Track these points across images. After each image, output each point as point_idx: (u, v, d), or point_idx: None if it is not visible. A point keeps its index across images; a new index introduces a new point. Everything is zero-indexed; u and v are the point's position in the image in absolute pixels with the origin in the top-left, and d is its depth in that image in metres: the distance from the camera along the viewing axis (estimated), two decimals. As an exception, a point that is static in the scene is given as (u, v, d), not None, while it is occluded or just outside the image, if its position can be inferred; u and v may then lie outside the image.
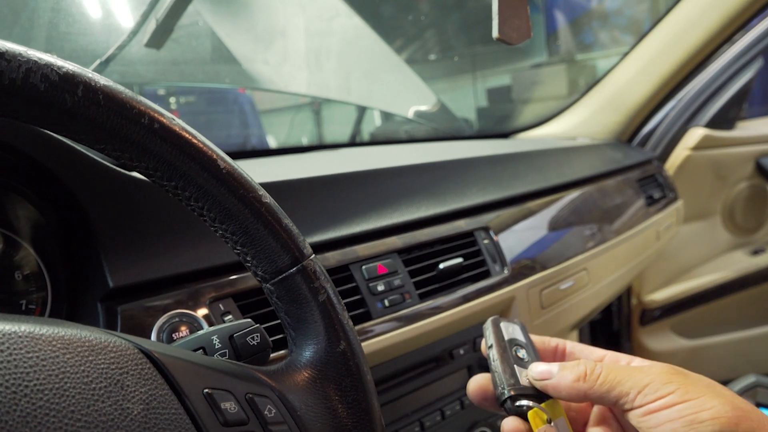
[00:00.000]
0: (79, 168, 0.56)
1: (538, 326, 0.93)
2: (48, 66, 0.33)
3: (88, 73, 0.35)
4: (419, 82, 2.04)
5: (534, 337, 0.53)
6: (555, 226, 1.03)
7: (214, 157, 0.38)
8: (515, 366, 0.47)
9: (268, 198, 0.40)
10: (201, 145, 0.38)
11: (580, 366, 0.43)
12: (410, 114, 1.84)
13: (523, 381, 0.46)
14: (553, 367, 0.45)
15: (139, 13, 0.92)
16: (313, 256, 0.41)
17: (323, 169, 0.84)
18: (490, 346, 0.48)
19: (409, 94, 1.91)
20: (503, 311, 0.88)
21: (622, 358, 0.48)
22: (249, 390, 0.36)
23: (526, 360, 0.48)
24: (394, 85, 1.89)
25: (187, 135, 0.37)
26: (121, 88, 0.36)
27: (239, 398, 0.35)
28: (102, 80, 0.35)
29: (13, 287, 0.58)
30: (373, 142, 1.79)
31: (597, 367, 0.43)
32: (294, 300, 0.40)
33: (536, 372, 0.45)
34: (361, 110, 1.79)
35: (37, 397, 0.27)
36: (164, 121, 0.37)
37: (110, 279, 0.56)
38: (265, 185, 0.73)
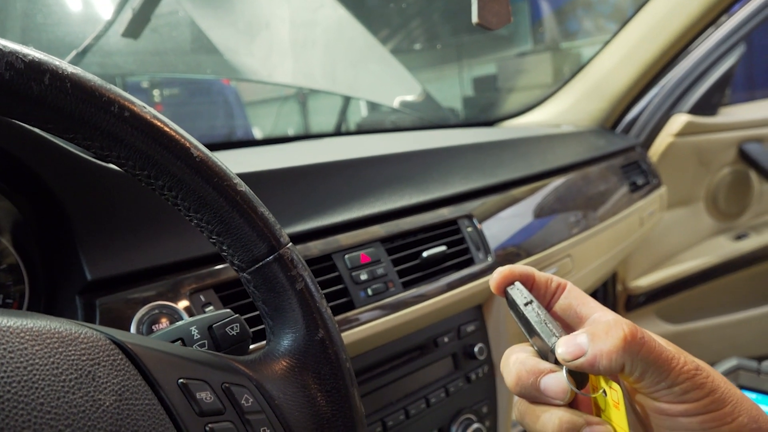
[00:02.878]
0: (53, 160, 0.56)
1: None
2: (13, 54, 0.33)
3: (55, 60, 0.34)
4: (404, 72, 2.03)
5: (538, 276, 0.44)
6: (539, 213, 1.03)
7: (187, 145, 0.38)
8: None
9: (243, 186, 0.40)
10: (173, 134, 0.37)
11: (617, 330, 0.34)
12: (395, 104, 1.83)
13: None
14: (581, 340, 0.35)
15: (116, 3, 0.91)
16: (290, 244, 0.41)
17: (306, 159, 0.83)
18: (529, 303, 0.41)
19: (394, 84, 1.90)
20: (487, 299, 0.88)
21: (612, 318, 0.41)
22: (225, 379, 0.35)
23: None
24: (379, 75, 1.88)
25: (158, 123, 0.37)
26: (89, 75, 0.35)
27: (215, 388, 0.34)
28: (69, 68, 0.35)
29: (-12, 281, 0.57)
30: (358, 131, 1.78)
31: (637, 330, 0.35)
32: (271, 289, 0.40)
33: (565, 352, 0.36)
34: (346, 100, 1.78)
35: (5, 389, 0.26)
36: (135, 108, 0.36)
37: (88, 272, 0.56)
38: (247, 175, 0.73)
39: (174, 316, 0.59)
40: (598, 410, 0.38)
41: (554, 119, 1.60)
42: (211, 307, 0.61)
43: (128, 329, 0.56)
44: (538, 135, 1.27)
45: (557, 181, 1.12)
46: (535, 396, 0.38)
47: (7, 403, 0.26)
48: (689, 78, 1.73)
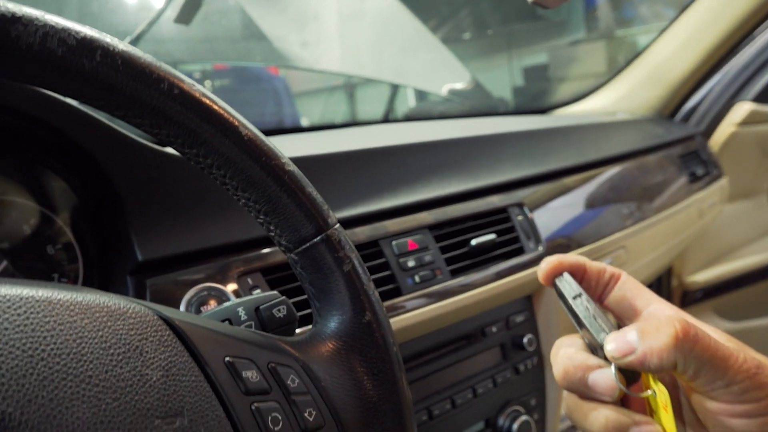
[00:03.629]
0: (106, 141, 0.56)
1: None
2: (65, 30, 0.33)
3: (107, 37, 0.34)
4: (453, 60, 2.01)
5: (590, 266, 0.42)
6: (592, 202, 1.00)
7: (236, 123, 0.37)
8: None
9: (291, 166, 0.39)
10: (222, 112, 0.37)
11: (668, 327, 0.33)
12: (444, 92, 1.81)
13: None
14: (631, 337, 0.34)
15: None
16: (338, 225, 0.40)
17: (354, 144, 0.82)
18: (578, 296, 0.39)
19: (442, 72, 1.88)
20: (537, 289, 0.86)
21: (669, 311, 0.39)
22: (272, 359, 0.35)
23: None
24: (427, 63, 1.86)
25: (207, 101, 0.36)
26: (140, 53, 0.35)
27: (261, 367, 0.34)
28: (120, 45, 0.35)
29: (45, 260, 0.59)
30: (406, 119, 1.77)
31: (690, 326, 0.33)
32: (318, 270, 0.39)
33: (615, 349, 0.34)
34: (394, 88, 1.77)
35: (54, 361, 0.27)
36: (184, 86, 0.36)
37: (139, 252, 0.56)
38: (295, 159, 0.72)
39: (222, 298, 0.59)
40: (651, 410, 0.36)
41: (610, 107, 1.55)
42: (258, 290, 0.62)
43: (178, 310, 0.57)
44: (592, 123, 1.23)
45: (612, 170, 1.09)
46: (583, 392, 0.36)
47: (56, 375, 0.26)
48: (753, 65, 1.64)
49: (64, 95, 0.35)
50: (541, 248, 0.86)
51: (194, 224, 0.60)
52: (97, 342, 0.28)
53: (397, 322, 0.68)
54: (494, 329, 0.81)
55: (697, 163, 1.38)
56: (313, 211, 0.39)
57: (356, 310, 0.39)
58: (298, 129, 1.45)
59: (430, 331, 0.74)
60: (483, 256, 0.80)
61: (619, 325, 0.42)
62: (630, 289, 0.41)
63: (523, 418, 0.82)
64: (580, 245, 0.93)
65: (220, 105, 0.37)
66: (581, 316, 0.37)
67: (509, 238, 0.84)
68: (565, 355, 0.37)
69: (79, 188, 0.60)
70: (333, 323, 0.39)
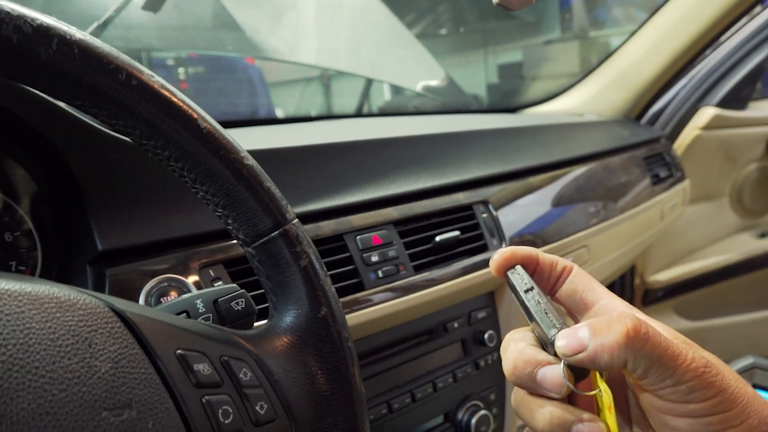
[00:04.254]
0: (68, 129, 0.56)
1: (535, 302, 0.92)
2: (21, 18, 0.32)
3: (64, 26, 0.34)
4: (428, 57, 2.01)
5: (542, 258, 0.42)
6: (557, 202, 1.01)
7: (195, 116, 0.37)
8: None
9: (250, 160, 0.39)
10: (181, 104, 0.37)
11: (619, 324, 0.32)
12: (418, 88, 1.82)
13: None
14: (582, 334, 0.33)
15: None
16: (296, 220, 0.41)
17: (323, 138, 0.82)
18: (529, 289, 0.39)
19: (417, 68, 1.89)
20: (499, 286, 0.88)
21: (619, 306, 0.39)
22: (224, 353, 0.35)
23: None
24: (402, 59, 1.87)
25: (166, 93, 0.36)
26: (98, 42, 0.35)
27: (214, 360, 0.34)
28: (78, 34, 0.34)
29: (3, 247, 0.58)
30: (379, 113, 1.77)
31: (641, 324, 0.33)
32: (275, 264, 0.40)
33: (565, 346, 0.34)
34: (368, 82, 1.77)
35: (0, 351, 0.26)
36: (142, 77, 0.36)
37: (99, 242, 0.56)
38: (263, 151, 0.73)
39: (183, 289, 0.59)
40: (598, 409, 0.36)
41: (578, 108, 1.57)
42: (220, 282, 0.61)
43: (137, 300, 0.56)
44: (560, 123, 1.25)
45: (577, 171, 1.11)
46: (531, 387, 0.36)
47: (1, 366, 0.26)
48: (719, 70, 1.69)
49: (21, 83, 0.34)
50: (504, 246, 0.87)
51: (156, 215, 0.60)
52: (45, 333, 0.28)
53: (359, 316, 0.69)
54: (456, 325, 0.82)
55: (661, 166, 1.41)
56: (271, 206, 0.39)
57: (312, 305, 0.40)
58: (271, 120, 1.44)
59: (393, 326, 0.75)
60: (447, 253, 0.81)
61: (571, 318, 0.42)
62: (581, 282, 0.41)
63: (482, 412, 0.83)
64: (544, 243, 0.94)
65: (179, 97, 0.37)
66: (532, 310, 0.37)
67: (473, 235, 0.85)
68: (515, 349, 0.37)
69: (39, 176, 0.59)
70: (288, 317, 0.40)
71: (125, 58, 0.36)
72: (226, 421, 0.33)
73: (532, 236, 0.93)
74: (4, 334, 0.27)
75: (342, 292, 0.69)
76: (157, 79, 0.37)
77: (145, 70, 0.36)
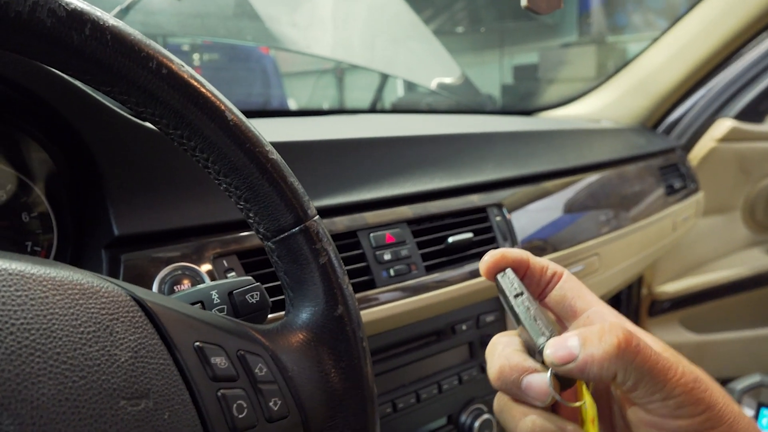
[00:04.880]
0: (90, 114, 0.56)
1: (544, 308, 0.92)
2: (56, 1, 0.32)
3: (97, 11, 0.34)
4: (445, 54, 2.00)
5: (533, 262, 0.41)
6: (570, 208, 1.01)
7: (222, 108, 0.37)
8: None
9: (275, 154, 0.39)
10: (209, 95, 0.37)
11: (610, 336, 0.32)
12: (433, 85, 1.81)
13: None
14: (572, 343, 0.33)
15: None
16: (317, 217, 0.41)
17: (339, 133, 0.82)
18: (519, 294, 0.38)
19: (433, 66, 1.88)
20: (510, 290, 0.87)
21: (609, 315, 0.39)
22: (241, 347, 0.35)
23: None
24: (419, 55, 1.86)
25: (195, 83, 0.36)
26: (130, 29, 0.35)
27: (230, 354, 0.34)
28: (111, 20, 0.34)
29: (20, 228, 0.58)
30: (393, 110, 1.77)
31: (632, 336, 0.32)
32: (294, 260, 0.40)
33: (555, 356, 0.33)
34: (384, 78, 1.76)
35: (23, 336, 0.26)
36: (173, 66, 0.36)
37: (115, 227, 0.56)
38: (279, 144, 0.72)
39: (196, 278, 0.59)
40: (582, 420, 0.36)
41: (595, 113, 1.56)
42: (233, 273, 0.62)
43: (150, 287, 0.56)
44: (576, 128, 1.24)
45: (591, 177, 1.10)
46: (515, 394, 0.36)
47: (24, 350, 0.26)
48: (739, 82, 1.67)
49: (51, 66, 0.34)
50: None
51: (173, 202, 0.60)
52: (68, 319, 0.28)
53: (368, 314, 0.69)
54: (464, 327, 0.82)
55: (676, 176, 1.40)
56: (293, 201, 0.39)
57: (329, 303, 0.39)
58: (284, 112, 1.44)
59: (401, 325, 0.75)
60: (459, 254, 0.80)
61: (560, 324, 0.42)
62: (571, 289, 0.40)
63: (485, 416, 0.83)
64: (554, 249, 0.94)
65: (208, 88, 0.37)
66: (521, 316, 0.37)
67: (486, 238, 0.85)
68: (502, 354, 0.36)
69: (58, 158, 0.59)
70: (305, 314, 0.39)
71: (156, 46, 0.36)
72: (240, 416, 0.33)
73: (544, 241, 0.93)
74: (28, 318, 0.27)
75: (353, 289, 0.68)
76: (186, 69, 0.36)
77: (176, 60, 0.36)
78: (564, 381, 0.35)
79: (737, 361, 1.76)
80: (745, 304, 1.78)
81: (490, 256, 0.40)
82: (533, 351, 0.36)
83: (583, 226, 1.01)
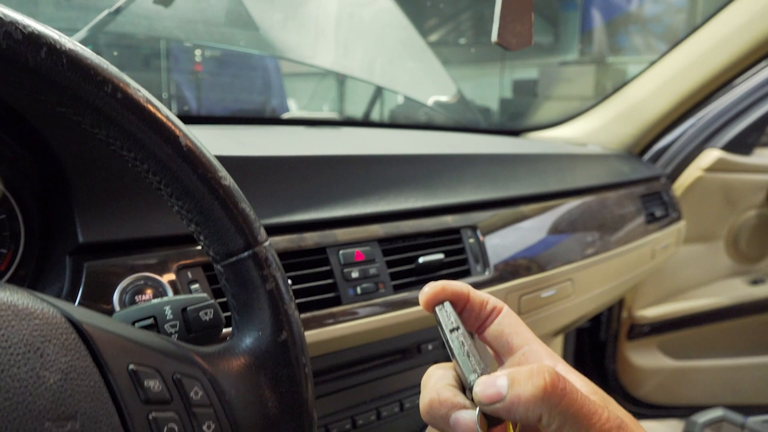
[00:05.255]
0: (59, 122, 0.56)
1: (513, 331, 0.92)
2: (13, 24, 0.33)
3: (55, 35, 0.35)
4: (441, 71, 2.02)
5: (473, 295, 0.42)
6: (546, 233, 1.02)
7: (177, 133, 0.38)
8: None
9: (228, 180, 0.40)
10: (164, 119, 0.38)
11: (537, 378, 0.32)
12: (429, 102, 1.83)
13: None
14: (501, 383, 0.33)
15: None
16: (267, 243, 0.41)
17: (319, 148, 0.83)
18: (455, 329, 0.38)
19: (430, 82, 1.89)
20: (478, 312, 0.88)
21: (543, 354, 0.39)
22: (178, 369, 0.36)
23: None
24: (417, 73, 1.87)
25: (150, 108, 0.37)
26: (88, 53, 0.36)
27: (166, 377, 0.35)
28: (69, 44, 0.35)
29: (-14, 229, 0.59)
30: (384, 124, 1.78)
31: (559, 380, 0.33)
32: (242, 285, 0.40)
33: (483, 394, 0.33)
34: (378, 90, 1.78)
35: (-49, 356, 0.27)
36: (128, 90, 0.36)
37: (80, 234, 0.57)
38: (255, 159, 0.74)
39: (159, 289, 0.60)
40: None
41: (583, 137, 1.57)
42: (196, 285, 0.62)
43: (112, 296, 0.57)
44: (560, 153, 1.25)
45: (571, 203, 1.11)
46: (443, 428, 0.36)
47: (-50, 370, 0.27)
48: (728, 114, 1.69)
49: (7, 86, 0.35)
50: (487, 273, 0.88)
51: (139, 212, 0.61)
52: (0, 342, 0.29)
53: (332, 330, 0.69)
54: (430, 347, 0.82)
55: (658, 204, 1.41)
56: (243, 227, 0.40)
57: (274, 328, 0.40)
58: (277, 120, 1.45)
59: (366, 342, 0.75)
60: (429, 275, 0.81)
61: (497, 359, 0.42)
62: (509, 325, 0.41)
63: (448, 436, 0.84)
64: (527, 273, 0.95)
65: (163, 112, 0.38)
66: (455, 351, 0.37)
67: (458, 260, 0.85)
68: (434, 387, 0.36)
69: (29, 164, 0.60)
70: (249, 339, 0.40)
71: (114, 70, 0.37)
72: (171, 439, 0.34)
73: (516, 265, 0.93)
74: (-44, 340, 0.28)
75: (318, 306, 0.69)
76: (143, 93, 0.37)
77: (132, 84, 0.37)
78: (492, 419, 0.35)
79: (713, 389, 1.77)
80: (723, 333, 1.79)
81: (430, 288, 0.41)
82: (465, 387, 0.36)
83: (558, 252, 1.02)
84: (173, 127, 0.38)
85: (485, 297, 0.42)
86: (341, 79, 3.75)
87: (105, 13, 0.90)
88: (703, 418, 0.88)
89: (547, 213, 1.05)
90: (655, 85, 1.51)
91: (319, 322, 0.69)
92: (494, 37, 0.56)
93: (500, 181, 1.01)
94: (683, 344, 1.79)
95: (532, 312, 0.96)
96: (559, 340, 1.56)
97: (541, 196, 1.06)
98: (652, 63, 1.53)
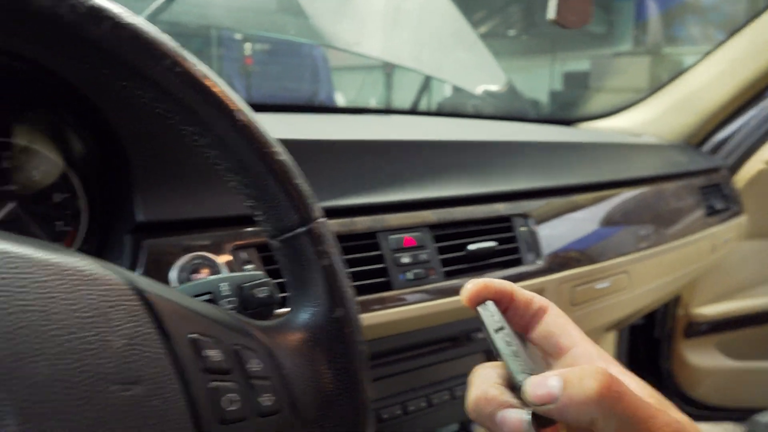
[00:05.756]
0: (121, 102, 0.58)
1: (565, 322, 0.90)
2: None
3: (117, 8, 0.35)
4: (491, 60, 1.99)
5: (518, 294, 0.40)
6: (601, 223, 0.99)
7: (234, 107, 0.38)
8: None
9: (283, 156, 0.40)
10: (221, 94, 0.38)
11: (592, 380, 0.31)
12: (478, 90, 1.80)
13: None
14: (553, 384, 0.32)
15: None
16: (322, 219, 0.41)
17: (370, 133, 0.83)
18: (500, 329, 0.38)
19: (479, 72, 1.87)
20: (530, 302, 0.86)
21: (595, 355, 0.38)
22: (237, 341, 0.36)
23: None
24: (466, 61, 1.85)
25: (208, 82, 0.37)
26: (148, 27, 0.36)
27: (225, 347, 0.35)
28: (130, 17, 0.35)
29: (51, 207, 0.61)
30: (433, 113, 1.77)
31: (614, 382, 0.31)
32: (297, 260, 0.40)
33: (534, 395, 0.33)
34: (427, 80, 1.77)
35: (22, 317, 0.28)
36: (186, 64, 0.37)
37: (139, 213, 0.58)
38: (309, 142, 0.74)
39: (214, 268, 0.61)
40: None
41: (638, 128, 1.53)
42: (251, 266, 0.63)
43: (167, 275, 0.58)
44: (615, 142, 1.22)
45: (626, 193, 1.08)
46: (490, 427, 0.35)
47: (23, 330, 0.28)
48: (796, 103, 1.61)
49: (71, 60, 0.36)
50: (540, 261, 0.86)
51: (197, 193, 0.62)
52: (67, 304, 0.29)
53: (383, 315, 0.69)
54: (480, 335, 0.81)
55: (718, 197, 1.35)
56: (298, 203, 0.40)
57: (329, 305, 0.40)
58: (327, 109, 1.46)
59: (416, 329, 0.75)
60: (480, 262, 0.80)
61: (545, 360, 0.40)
62: (556, 325, 0.39)
63: (497, 426, 0.83)
64: (581, 264, 0.92)
65: (221, 87, 0.38)
66: (501, 351, 0.36)
67: (509, 248, 0.84)
68: (481, 385, 0.36)
69: (91, 144, 0.62)
70: (305, 314, 0.40)
71: (172, 44, 0.37)
72: (230, 408, 0.34)
73: (569, 256, 0.91)
74: (28, 300, 0.28)
75: (369, 290, 0.69)
76: (200, 68, 0.38)
77: (190, 58, 0.37)
78: (541, 420, 0.34)
79: (774, 391, 1.70)
80: (786, 334, 1.72)
81: (472, 285, 0.40)
82: (513, 386, 0.35)
83: (613, 242, 0.99)
84: (230, 102, 0.38)
85: (530, 296, 0.40)
86: (389, 72, 3.75)
87: (160, 1, 0.91)
88: (764, 418, 0.84)
89: (602, 203, 1.03)
90: (714, 74, 1.46)
91: (368, 307, 0.69)
92: (551, 14, 0.55)
93: (553, 170, 0.99)
94: (743, 344, 1.72)
95: (586, 304, 0.93)
96: (611, 337, 1.52)
97: (595, 185, 1.03)
98: (711, 50, 1.47)
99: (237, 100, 0.38)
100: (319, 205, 0.41)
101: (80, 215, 0.62)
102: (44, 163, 0.61)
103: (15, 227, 0.59)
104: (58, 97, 0.59)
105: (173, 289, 0.38)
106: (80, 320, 0.30)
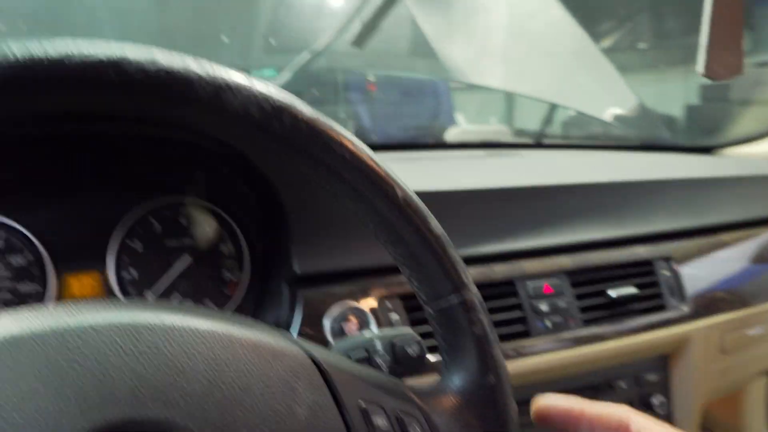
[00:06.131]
0: (280, 165, 0.64)
1: (715, 372, 0.86)
2: (264, 97, 0.38)
3: (296, 104, 0.40)
4: (619, 81, 1.92)
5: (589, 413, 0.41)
6: (750, 263, 0.93)
7: (394, 185, 0.41)
8: None
9: (439, 229, 0.42)
10: (383, 174, 0.41)
11: None
12: (607, 116, 1.75)
13: None
14: None
15: (346, 13, 0.99)
16: (474, 289, 0.43)
17: (501, 179, 0.84)
18: None
19: (606, 94, 1.81)
20: (674, 351, 0.83)
21: None
22: (399, 407, 0.39)
23: None
24: (592, 85, 1.81)
25: (372, 163, 0.41)
26: (322, 118, 0.41)
27: (390, 414, 0.38)
28: (307, 112, 0.40)
29: (219, 259, 0.68)
30: (559, 145, 1.73)
31: None
32: (450, 327, 0.43)
33: None
34: (552, 108, 1.74)
35: (228, 390, 0.32)
36: (353, 149, 0.40)
37: (297, 266, 0.63)
38: (440, 193, 0.76)
39: (362, 317, 0.65)
40: None
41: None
42: (395, 315, 0.66)
43: (322, 322, 0.63)
44: (764, 174, 1.13)
45: (780, 230, 1.00)
46: None
47: (228, 402, 0.32)
48: None
49: (258, 150, 0.41)
50: (685, 307, 0.83)
51: (346, 245, 0.66)
52: (262, 378, 0.34)
53: (521, 364, 0.70)
54: (623, 385, 0.79)
55: None
56: (452, 274, 0.42)
57: (481, 372, 0.42)
58: (453, 145, 1.49)
59: (555, 378, 0.75)
60: (620, 308, 0.78)
61: None
62: None
63: (641, 478, 0.80)
64: (730, 308, 0.87)
65: (382, 167, 0.42)
66: None
67: (651, 293, 0.81)
68: None
69: (252, 200, 0.69)
70: (458, 380, 0.42)
71: (341, 130, 0.41)
72: (395, 472, 0.37)
73: (718, 300, 0.87)
74: (232, 376, 0.33)
75: (507, 338, 0.70)
76: (365, 150, 0.41)
77: (356, 141, 0.41)
78: None
79: None
80: None
81: (536, 406, 0.41)
82: None
83: (765, 284, 0.93)
84: (391, 181, 0.42)
85: (603, 411, 0.39)
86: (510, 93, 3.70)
87: (308, 57, 0.99)
88: None
89: (751, 241, 0.96)
90: None
91: (507, 355, 0.69)
92: (699, 68, 0.54)
93: (695, 208, 0.94)
94: None
95: (737, 351, 0.88)
96: (764, 383, 1.41)
97: (744, 223, 0.97)
98: None
99: (396, 179, 0.42)
100: (470, 276, 0.44)
101: (243, 266, 0.69)
102: (214, 219, 0.68)
103: (190, 277, 0.67)
104: (229, 162, 0.66)
105: (339, 355, 0.42)
106: (273, 392, 0.34)
